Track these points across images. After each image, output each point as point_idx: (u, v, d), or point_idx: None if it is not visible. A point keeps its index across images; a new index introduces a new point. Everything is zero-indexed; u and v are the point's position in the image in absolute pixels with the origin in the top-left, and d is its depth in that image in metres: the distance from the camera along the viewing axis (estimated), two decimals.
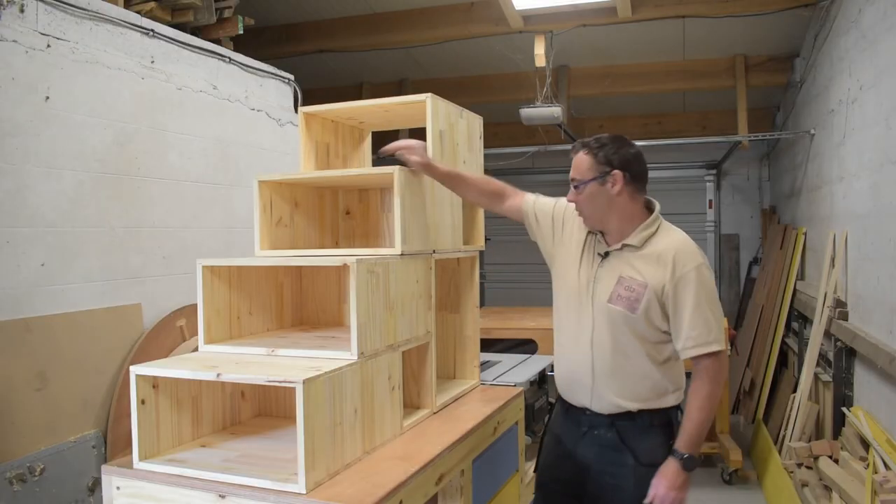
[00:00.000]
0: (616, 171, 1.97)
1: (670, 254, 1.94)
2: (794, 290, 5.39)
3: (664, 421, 2.02)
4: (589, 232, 2.11)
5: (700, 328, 1.90)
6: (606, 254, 2.04)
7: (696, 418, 1.92)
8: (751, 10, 4.87)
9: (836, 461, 3.49)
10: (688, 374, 2.02)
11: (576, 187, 2.02)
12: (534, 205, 2.25)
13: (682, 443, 1.93)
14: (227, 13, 3.89)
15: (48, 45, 2.84)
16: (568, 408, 2.14)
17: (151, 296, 3.32)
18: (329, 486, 1.75)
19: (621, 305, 1.97)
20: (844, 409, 3.73)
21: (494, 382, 2.85)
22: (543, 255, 2.26)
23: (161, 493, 1.83)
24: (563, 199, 2.15)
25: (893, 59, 3.26)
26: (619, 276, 1.99)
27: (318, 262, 2.09)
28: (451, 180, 2.30)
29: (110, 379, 3.05)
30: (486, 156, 3.03)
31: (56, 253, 2.86)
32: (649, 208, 2.07)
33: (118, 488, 1.89)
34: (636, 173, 2.00)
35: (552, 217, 2.21)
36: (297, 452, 1.70)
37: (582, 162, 2.01)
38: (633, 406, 1.99)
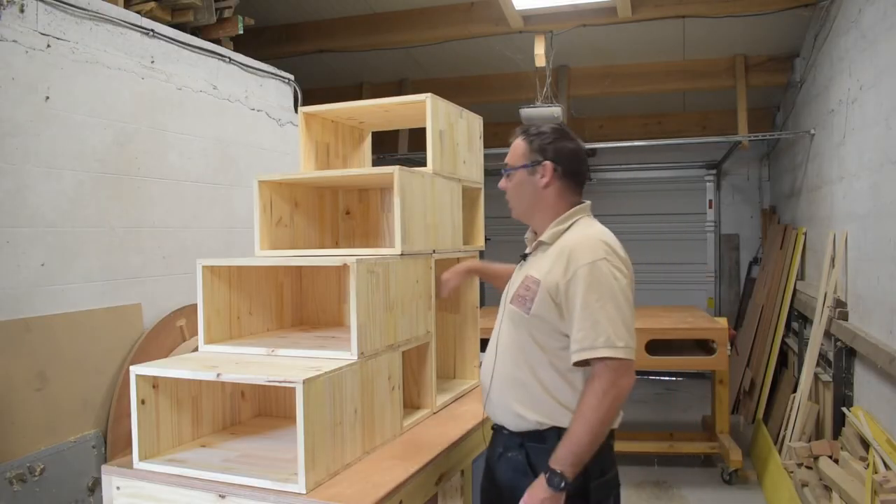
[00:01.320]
0: (547, 163, 1.85)
1: (568, 250, 1.77)
2: (794, 290, 5.39)
3: None
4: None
5: (586, 330, 1.68)
6: (525, 255, 1.96)
7: (574, 431, 1.67)
8: (751, 10, 4.87)
9: (836, 461, 3.49)
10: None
11: (507, 174, 1.94)
12: None
13: (555, 456, 1.68)
14: (227, 13, 3.89)
15: (48, 45, 2.84)
16: (495, 427, 1.97)
17: (151, 296, 3.33)
18: (329, 486, 1.75)
19: (518, 306, 1.83)
20: (844, 409, 3.73)
21: None
22: None
23: (161, 493, 1.83)
24: None
25: (893, 59, 3.26)
26: (525, 276, 1.86)
27: (318, 262, 2.09)
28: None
29: (110, 379, 3.06)
30: (486, 156, 3.03)
31: (56, 253, 2.86)
32: None
33: (118, 488, 1.89)
34: (570, 170, 1.87)
35: None
36: (297, 452, 1.71)
37: (516, 148, 1.92)
38: (535, 417, 1.79)
